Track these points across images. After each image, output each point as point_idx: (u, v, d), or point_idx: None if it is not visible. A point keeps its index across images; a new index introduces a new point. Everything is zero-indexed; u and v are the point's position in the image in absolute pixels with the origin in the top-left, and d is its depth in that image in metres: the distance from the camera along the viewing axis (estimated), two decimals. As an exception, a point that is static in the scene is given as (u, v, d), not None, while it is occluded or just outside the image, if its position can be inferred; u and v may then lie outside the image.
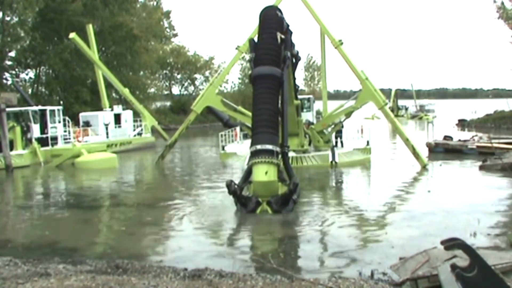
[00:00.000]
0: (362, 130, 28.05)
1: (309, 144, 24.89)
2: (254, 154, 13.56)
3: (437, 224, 11.67)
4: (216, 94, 25.42)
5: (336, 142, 25.67)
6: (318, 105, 38.92)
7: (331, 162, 22.12)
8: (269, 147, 13.44)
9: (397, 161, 24.51)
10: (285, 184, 13.50)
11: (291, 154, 20.47)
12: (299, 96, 27.15)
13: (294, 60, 20.76)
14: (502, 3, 44.07)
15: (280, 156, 13.98)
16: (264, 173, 13.10)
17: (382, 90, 23.72)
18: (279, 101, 14.95)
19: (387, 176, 20.41)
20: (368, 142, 25.27)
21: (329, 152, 22.74)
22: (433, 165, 22.57)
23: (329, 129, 25.15)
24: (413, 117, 68.91)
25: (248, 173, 14.05)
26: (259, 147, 13.49)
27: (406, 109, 76.31)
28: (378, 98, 22.77)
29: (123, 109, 38.36)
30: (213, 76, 27.99)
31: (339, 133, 26.02)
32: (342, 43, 23.46)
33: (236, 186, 13.13)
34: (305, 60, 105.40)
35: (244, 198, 13.22)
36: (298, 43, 22.55)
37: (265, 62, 15.15)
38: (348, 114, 24.26)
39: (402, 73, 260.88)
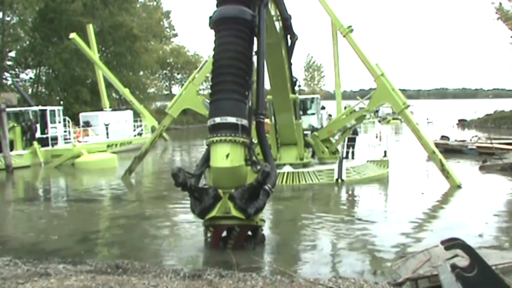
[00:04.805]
0: (380, 136, 22.70)
1: (312, 156, 20.79)
2: (212, 129, 9.84)
3: (447, 226, 11.61)
4: (197, 93, 21.02)
5: (347, 153, 21.49)
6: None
7: (337, 180, 18.14)
8: (232, 120, 9.68)
9: (417, 173, 20.91)
10: (256, 169, 9.72)
11: (287, 169, 18.23)
12: (302, 96, 24.54)
13: (290, 41, 16.91)
14: (500, 4, 44.10)
15: (249, 127, 10.26)
16: (225, 156, 9.53)
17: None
18: (252, 53, 10.74)
19: (401, 187, 18.28)
20: (385, 152, 20.87)
21: (335, 167, 18.79)
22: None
23: (337, 137, 21.20)
24: (382, 119, 55.12)
25: (208, 155, 10.22)
26: (218, 120, 9.75)
27: (377, 111, 57.67)
28: (397, 99, 18.32)
29: (123, 110, 38.49)
30: (194, 72, 22.34)
31: (352, 142, 21.76)
32: (352, 30, 18.87)
33: (187, 175, 9.62)
34: (305, 60, 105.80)
35: (198, 190, 9.72)
36: (299, 44, 19.08)
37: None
38: (359, 119, 20.58)
39: (403, 74, 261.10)
